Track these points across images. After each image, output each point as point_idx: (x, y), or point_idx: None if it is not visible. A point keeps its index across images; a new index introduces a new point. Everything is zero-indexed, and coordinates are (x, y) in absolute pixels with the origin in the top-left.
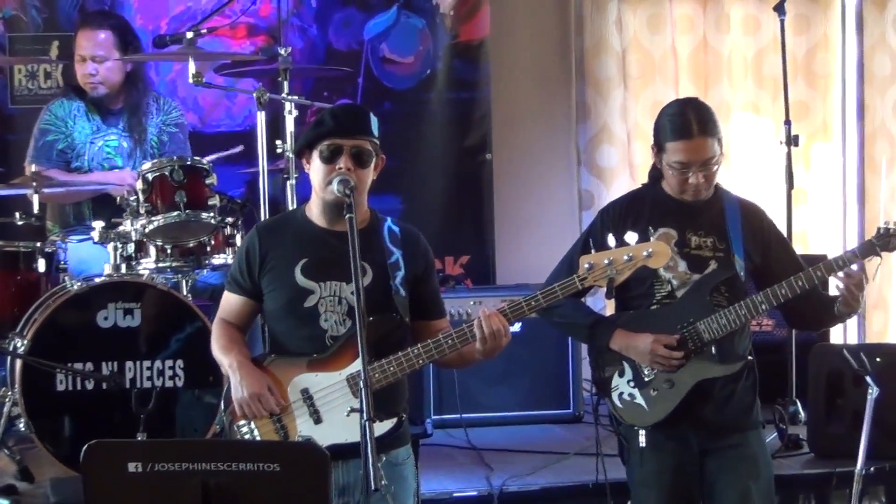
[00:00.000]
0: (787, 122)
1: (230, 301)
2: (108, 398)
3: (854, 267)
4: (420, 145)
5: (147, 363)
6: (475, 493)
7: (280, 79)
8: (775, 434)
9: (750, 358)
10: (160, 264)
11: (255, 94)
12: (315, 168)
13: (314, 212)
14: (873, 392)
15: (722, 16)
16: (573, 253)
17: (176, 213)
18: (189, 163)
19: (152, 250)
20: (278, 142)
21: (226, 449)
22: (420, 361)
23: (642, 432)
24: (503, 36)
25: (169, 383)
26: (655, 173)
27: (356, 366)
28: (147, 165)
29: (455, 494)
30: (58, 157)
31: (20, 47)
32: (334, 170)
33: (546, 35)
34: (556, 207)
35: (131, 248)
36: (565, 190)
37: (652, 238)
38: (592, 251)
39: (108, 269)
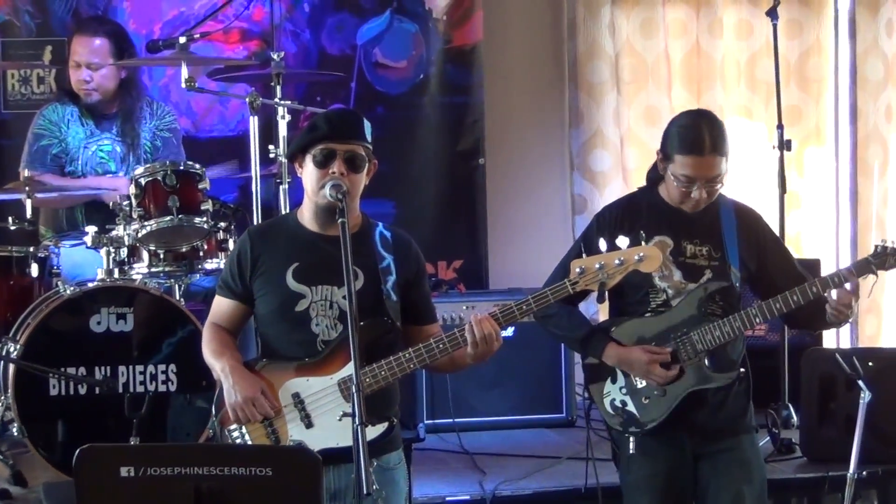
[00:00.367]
0: (780, 127)
1: (221, 305)
2: (101, 403)
3: (848, 286)
4: (413, 150)
5: (140, 368)
6: (468, 497)
7: (273, 83)
8: (768, 438)
9: (743, 369)
10: (153, 269)
11: (247, 99)
12: (308, 172)
13: (306, 216)
14: (866, 396)
15: (715, 20)
16: (568, 258)
17: (169, 217)
18: (182, 167)
19: (145, 255)
20: (271, 146)
21: (218, 453)
22: (411, 366)
23: (632, 439)
24: (496, 40)
25: (162, 388)
26: (654, 176)
27: (347, 370)
28: (140, 170)
29: (448, 499)
30: (52, 162)
31: (13, 52)
32: (327, 174)
33: (539, 40)
34: (549, 212)
35: (124, 252)
36: (558, 194)
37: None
38: (584, 255)
39: (100, 274)
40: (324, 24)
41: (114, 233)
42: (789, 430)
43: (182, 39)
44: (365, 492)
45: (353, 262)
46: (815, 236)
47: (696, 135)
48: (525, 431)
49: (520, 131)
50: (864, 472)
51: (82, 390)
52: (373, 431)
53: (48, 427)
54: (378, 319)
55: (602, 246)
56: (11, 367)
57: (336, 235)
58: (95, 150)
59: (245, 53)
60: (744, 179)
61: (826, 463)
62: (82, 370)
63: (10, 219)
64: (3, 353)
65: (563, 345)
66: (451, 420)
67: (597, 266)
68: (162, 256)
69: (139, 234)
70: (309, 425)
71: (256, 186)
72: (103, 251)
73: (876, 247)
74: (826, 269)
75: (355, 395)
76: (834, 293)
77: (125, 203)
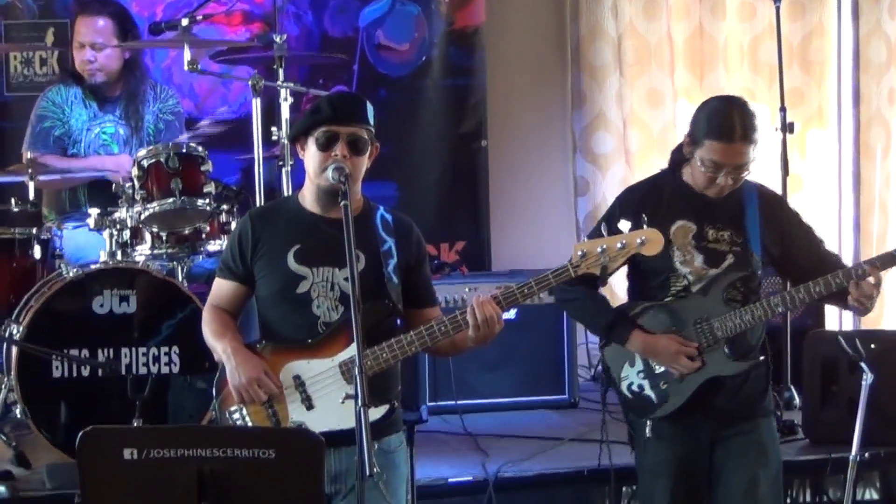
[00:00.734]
0: (783, 109)
1: (221, 287)
2: (103, 384)
3: (871, 279)
4: (415, 132)
5: (143, 349)
6: (470, 479)
7: (275, 66)
8: None
9: (763, 356)
10: (156, 251)
11: (250, 82)
12: (310, 155)
13: (307, 199)
14: (868, 378)
15: (718, 2)
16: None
17: (171, 200)
18: (184, 150)
19: (148, 237)
20: (273, 129)
21: (221, 435)
22: (413, 348)
23: (648, 423)
24: (499, 23)
25: (164, 369)
26: (678, 158)
27: (348, 352)
28: (143, 152)
29: (450, 481)
30: (54, 144)
31: (16, 34)
32: (330, 157)
33: (541, 22)
34: (551, 194)
35: (127, 234)
36: (561, 176)
37: (671, 230)
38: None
39: (103, 256)
40: (326, 6)
41: (116, 215)
42: (791, 412)
43: (184, 21)
44: (367, 473)
45: (354, 244)
46: (817, 219)
47: (727, 121)
48: (527, 413)
49: (522, 113)
50: (867, 454)
51: (85, 372)
52: (374, 413)
53: (51, 409)
54: (379, 302)
55: (624, 227)
56: (14, 348)
57: (337, 218)
58: (98, 133)
59: (247, 35)
60: None
61: (828, 445)
62: (85, 352)
63: (12, 200)
64: (6, 335)
65: (564, 325)
66: (453, 402)
67: (599, 250)
68: (164, 238)
69: (142, 217)
70: (310, 407)
71: (259, 169)
72: (106, 233)
73: None
74: None
75: (358, 377)
76: (853, 290)
77: (128, 185)
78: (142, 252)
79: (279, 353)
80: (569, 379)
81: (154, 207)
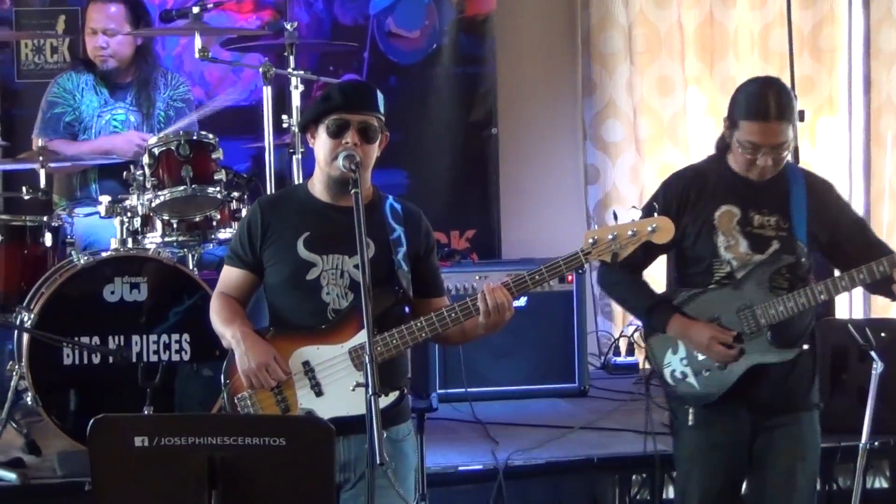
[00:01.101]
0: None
1: (230, 275)
2: (114, 372)
3: None
4: (426, 120)
5: (153, 337)
6: (480, 466)
7: (286, 53)
8: None
9: (807, 346)
10: (166, 238)
11: (260, 69)
12: (321, 142)
13: (317, 187)
14: (878, 367)
15: None
16: None
17: (182, 187)
18: (195, 137)
19: (159, 224)
20: (284, 116)
21: (232, 423)
22: (423, 335)
23: (691, 410)
24: (509, 11)
25: (175, 357)
26: (722, 145)
27: (358, 339)
28: (153, 140)
29: (460, 468)
30: (65, 130)
31: (27, 21)
32: (341, 144)
33: (552, 10)
34: (561, 182)
35: (138, 222)
36: (571, 164)
37: (715, 215)
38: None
39: (114, 244)
40: None
41: (127, 202)
42: None
43: (195, 9)
44: (378, 461)
45: (364, 232)
46: None
47: (762, 101)
48: (537, 401)
49: (532, 101)
50: (876, 443)
51: (96, 359)
52: (384, 401)
53: (62, 396)
54: (389, 288)
55: (635, 216)
56: (26, 336)
57: (347, 206)
58: (109, 119)
59: (258, 23)
60: None
61: (838, 433)
62: (96, 339)
63: (23, 188)
64: (18, 322)
65: (575, 314)
66: (463, 390)
67: (609, 237)
68: (175, 226)
69: (153, 204)
70: (319, 393)
71: (269, 156)
72: (117, 220)
73: None
74: None
75: (368, 365)
76: None
77: (139, 173)
78: (152, 239)
79: (288, 340)
80: (579, 367)
81: (165, 195)
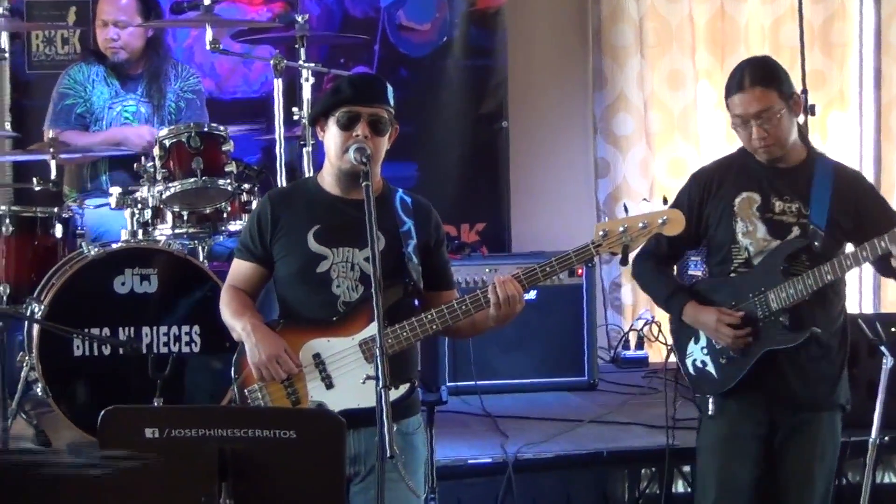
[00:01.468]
0: (804, 92)
1: (240, 268)
2: (124, 363)
3: None
4: (436, 113)
5: (164, 329)
6: (490, 460)
7: (297, 46)
8: None
9: (832, 338)
10: (177, 230)
11: (271, 62)
12: (331, 135)
13: (327, 180)
14: (888, 362)
15: None
16: None
17: (193, 179)
18: (206, 129)
19: (169, 216)
20: (295, 109)
21: (242, 415)
22: (434, 327)
23: (711, 400)
24: (520, 3)
25: (185, 349)
26: None
27: (369, 331)
28: (164, 132)
29: (470, 461)
30: (76, 121)
31: (37, 13)
32: (351, 137)
33: (563, 2)
34: (571, 175)
35: (148, 214)
36: (581, 158)
37: (735, 201)
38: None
39: (124, 235)
40: None
41: (138, 194)
42: None
43: (206, 1)
44: (388, 454)
45: (374, 225)
46: None
47: (738, 73)
48: (547, 394)
49: (543, 94)
50: (886, 438)
51: (106, 351)
52: (394, 393)
53: (72, 387)
54: (400, 281)
55: (647, 208)
56: (36, 327)
57: (357, 199)
58: (120, 111)
59: (269, 15)
60: None
61: (848, 428)
62: (106, 331)
63: (34, 179)
64: (28, 313)
65: (584, 307)
66: (473, 382)
67: (620, 229)
68: (186, 218)
69: (163, 196)
70: (329, 386)
71: (280, 148)
72: (127, 212)
73: None
74: None
75: (379, 357)
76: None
77: (149, 164)
78: (163, 231)
79: (298, 332)
80: (588, 360)
81: (175, 187)
